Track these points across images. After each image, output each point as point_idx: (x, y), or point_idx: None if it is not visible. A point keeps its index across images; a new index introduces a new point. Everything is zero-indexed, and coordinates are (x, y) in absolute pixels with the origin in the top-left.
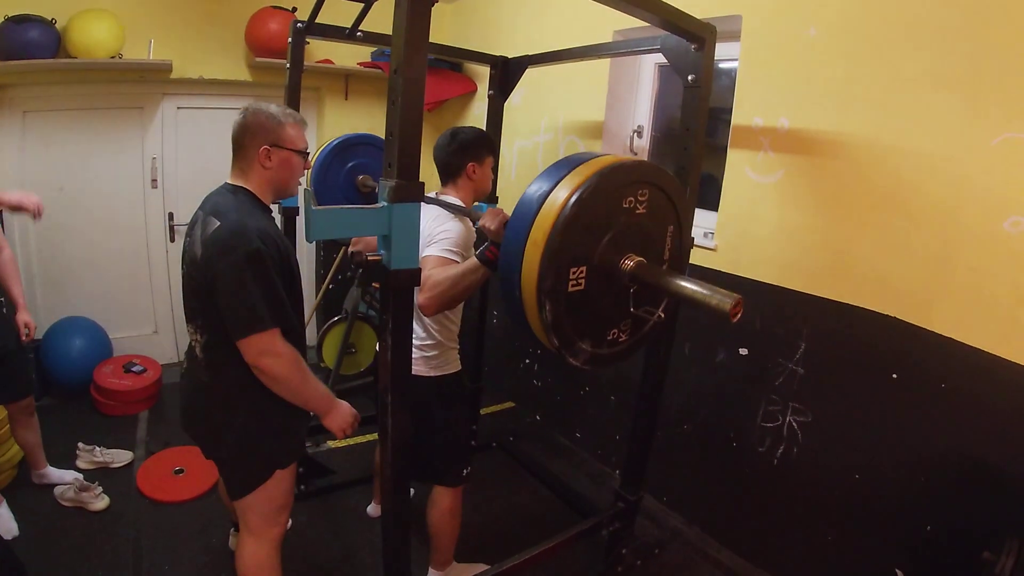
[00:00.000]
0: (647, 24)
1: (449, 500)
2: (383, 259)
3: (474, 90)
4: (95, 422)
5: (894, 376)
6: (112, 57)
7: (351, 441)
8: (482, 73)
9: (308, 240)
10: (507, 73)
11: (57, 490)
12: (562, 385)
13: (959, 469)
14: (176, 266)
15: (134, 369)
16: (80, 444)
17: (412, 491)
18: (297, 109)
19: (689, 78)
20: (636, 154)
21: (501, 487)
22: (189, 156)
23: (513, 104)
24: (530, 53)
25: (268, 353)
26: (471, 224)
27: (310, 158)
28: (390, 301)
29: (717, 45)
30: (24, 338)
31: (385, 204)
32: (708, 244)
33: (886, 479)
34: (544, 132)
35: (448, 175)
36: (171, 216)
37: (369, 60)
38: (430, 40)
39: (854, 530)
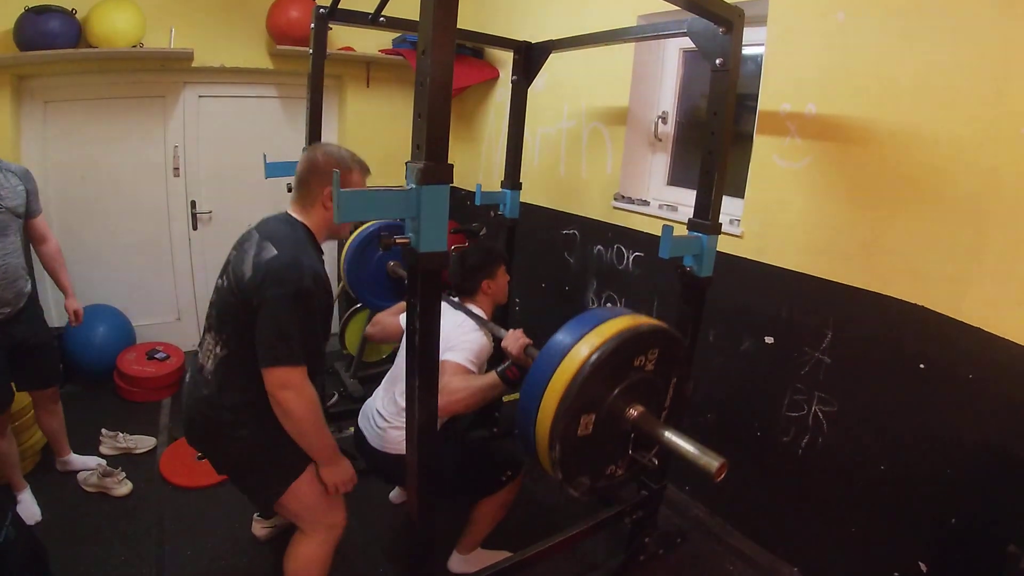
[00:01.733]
0: (671, 8)
1: (500, 495)
2: (411, 241)
3: (496, 76)
4: (118, 409)
5: (921, 366)
6: (133, 46)
7: None
8: (504, 59)
9: (336, 222)
10: (530, 58)
11: (80, 476)
12: None
13: (985, 461)
14: (199, 254)
15: (157, 356)
16: (103, 430)
17: None
18: (320, 97)
19: (717, 62)
20: (660, 140)
21: (523, 476)
22: (211, 144)
23: (536, 90)
24: (554, 38)
25: (290, 387)
26: (491, 338)
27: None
28: (418, 284)
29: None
30: (72, 323)
31: (413, 186)
32: (734, 231)
33: (911, 471)
34: (567, 118)
35: (465, 293)
36: (193, 204)
37: (391, 47)
38: None
39: (878, 522)
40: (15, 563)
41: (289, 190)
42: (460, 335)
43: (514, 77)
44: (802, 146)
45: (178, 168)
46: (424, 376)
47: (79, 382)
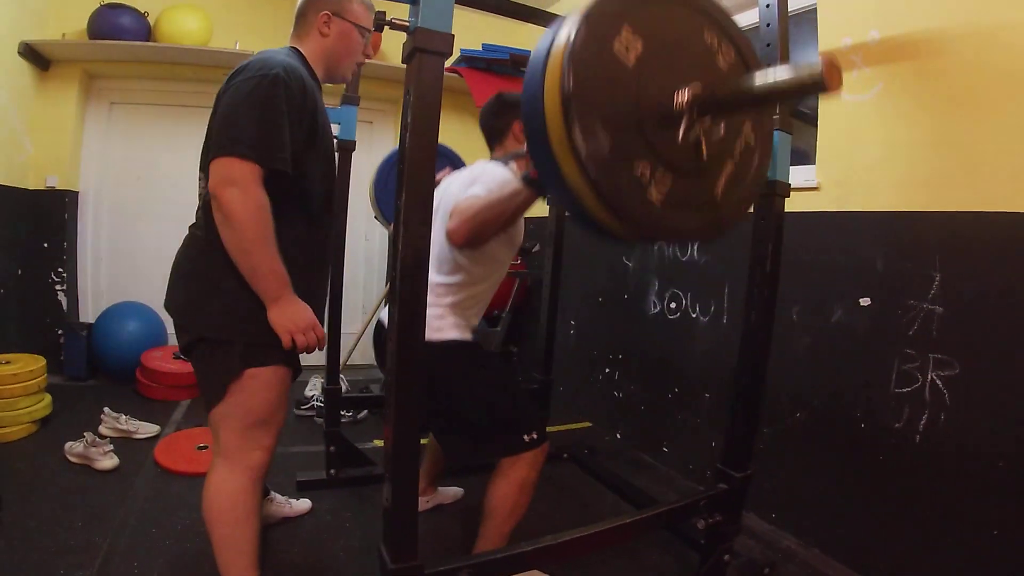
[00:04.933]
0: None
1: (518, 470)
2: (409, 25)
3: None
4: (134, 403)
5: None
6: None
7: None
8: None
9: None
10: None
11: (67, 445)
12: (647, 391)
13: None
14: None
15: (183, 357)
16: (106, 409)
17: None
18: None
19: None
20: None
21: (571, 500)
22: None
23: None
24: None
25: (234, 184)
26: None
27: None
28: (414, 75)
29: None
30: None
31: None
32: (809, 184)
33: None
34: None
35: (494, 138)
36: None
37: (448, 66)
38: None
39: None
40: None
41: None
42: (478, 171)
43: None
44: (870, 75)
45: None
46: (414, 199)
47: (104, 377)
